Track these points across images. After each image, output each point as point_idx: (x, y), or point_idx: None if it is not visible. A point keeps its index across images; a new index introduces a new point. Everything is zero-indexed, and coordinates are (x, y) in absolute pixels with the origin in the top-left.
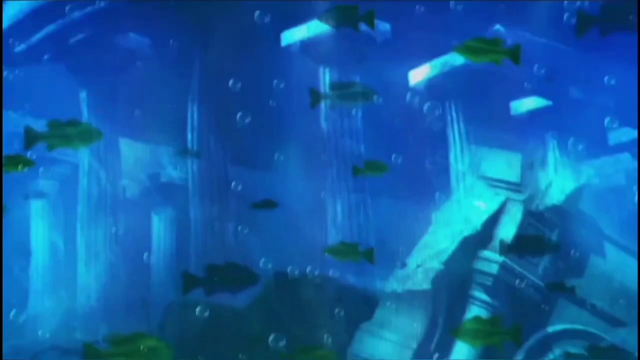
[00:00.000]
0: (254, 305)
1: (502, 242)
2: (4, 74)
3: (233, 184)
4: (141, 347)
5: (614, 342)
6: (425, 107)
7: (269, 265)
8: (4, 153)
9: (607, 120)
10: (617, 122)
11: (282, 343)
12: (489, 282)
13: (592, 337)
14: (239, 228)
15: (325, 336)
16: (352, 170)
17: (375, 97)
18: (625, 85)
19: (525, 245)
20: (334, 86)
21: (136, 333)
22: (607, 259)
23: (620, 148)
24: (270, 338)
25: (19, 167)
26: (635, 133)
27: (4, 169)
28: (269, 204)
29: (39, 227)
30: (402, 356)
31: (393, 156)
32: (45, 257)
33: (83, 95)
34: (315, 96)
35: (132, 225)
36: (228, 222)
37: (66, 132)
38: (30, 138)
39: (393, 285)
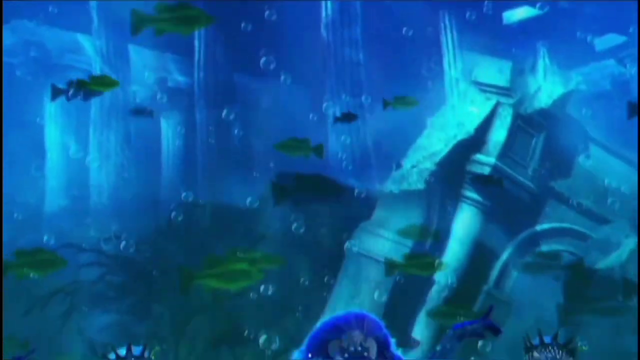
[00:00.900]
0: (258, 205)
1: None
2: None
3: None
4: (232, 268)
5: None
6: (419, 15)
7: (271, 164)
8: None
9: (593, 28)
10: (603, 29)
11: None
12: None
13: (578, 235)
14: (243, 132)
15: (326, 233)
16: (382, 104)
17: None
18: None
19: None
20: None
21: (224, 255)
22: (592, 160)
23: (605, 54)
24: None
25: (105, 87)
26: (620, 39)
27: (92, 88)
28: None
29: (52, 130)
30: (399, 253)
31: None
32: (60, 159)
33: (93, 4)
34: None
35: (141, 128)
36: (232, 126)
37: (175, 15)
38: (138, 21)
39: (390, 186)
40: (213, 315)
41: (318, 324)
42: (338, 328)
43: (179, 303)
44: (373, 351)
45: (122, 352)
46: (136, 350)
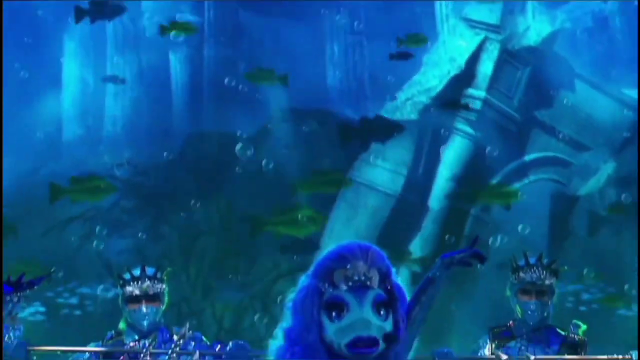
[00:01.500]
0: (262, 135)
1: None
2: None
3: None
4: (299, 217)
5: (579, 164)
6: None
7: (272, 102)
8: None
9: None
10: None
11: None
12: (472, 116)
13: (561, 162)
14: (248, 69)
15: (326, 162)
16: (397, 41)
17: None
18: None
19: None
20: None
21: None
22: (576, 93)
23: None
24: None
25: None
26: None
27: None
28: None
29: (71, 66)
30: (395, 181)
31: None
32: (77, 92)
33: None
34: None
35: (153, 62)
36: (238, 62)
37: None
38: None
39: (384, 115)
40: (219, 236)
41: (324, 253)
42: (343, 257)
43: (188, 226)
44: (375, 280)
45: (137, 272)
46: (149, 271)
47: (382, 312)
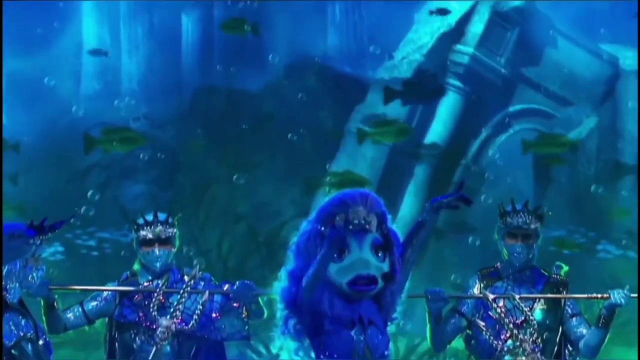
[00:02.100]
0: (266, 91)
1: None
2: None
3: None
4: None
5: (563, 117)
6: None
7: (276, 59)
8: None
9: None
10: None
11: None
12: (461, 70)
13: (545, 114)
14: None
15: (326, 115)
16: None
17: None
18: None
19: None
20: None
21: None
22: (559, 50)
23: None
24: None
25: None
26: None
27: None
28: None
29: (89, 24)
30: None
31: None
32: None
33: None
34: None
35: (165, 22)
36: (244, 19)
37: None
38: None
39: (382, 74)
40: (228, 185)
41: (327, 199)
42: (345, 203)
43: (198, 175)
44: (374, 225)
45: (150, 218)
46: (161, 216)
47: (379, 254)
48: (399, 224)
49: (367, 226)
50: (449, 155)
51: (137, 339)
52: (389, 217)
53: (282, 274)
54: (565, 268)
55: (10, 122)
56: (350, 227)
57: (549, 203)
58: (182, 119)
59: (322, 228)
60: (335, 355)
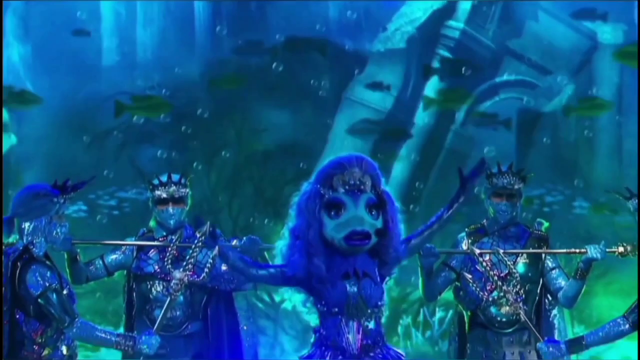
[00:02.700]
0: (272, 62)
1: None
2: None
3: None
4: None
5: (544, 86)
6: None
7: (278, 37)
8: None
9: None
10: None
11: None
12: (451, 44)
13: (527, 84)
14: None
15: (325, 83)
16: None
17: None
18: None
19: None
20: None
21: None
22: (539, 23)
23: None
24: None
25: None
26: None
27: None
28: None
29: (107, 2)
30: (385, 100)
31: None
32: (113, 24)
33: None
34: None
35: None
36: None
37: None
38: None
39: (377, 46)
40: (237, 149)
41: (325, 162)
42: (342, 165)
43: (210, 139)
44: (368, 185)
45: (164, 179)
46: (175, 177)
47: (373, 212)
48: (392, 183)
49: (362, 187)
50: (440, 120)
51: (152, 289)
52: (383, 179)
53: (285, 231)
54: (546, 224)
55: (36, 88)
56: (347, 187)
57: (531, 165)
58: (194, 87)
59: (321, 189)
60: (330, 305)
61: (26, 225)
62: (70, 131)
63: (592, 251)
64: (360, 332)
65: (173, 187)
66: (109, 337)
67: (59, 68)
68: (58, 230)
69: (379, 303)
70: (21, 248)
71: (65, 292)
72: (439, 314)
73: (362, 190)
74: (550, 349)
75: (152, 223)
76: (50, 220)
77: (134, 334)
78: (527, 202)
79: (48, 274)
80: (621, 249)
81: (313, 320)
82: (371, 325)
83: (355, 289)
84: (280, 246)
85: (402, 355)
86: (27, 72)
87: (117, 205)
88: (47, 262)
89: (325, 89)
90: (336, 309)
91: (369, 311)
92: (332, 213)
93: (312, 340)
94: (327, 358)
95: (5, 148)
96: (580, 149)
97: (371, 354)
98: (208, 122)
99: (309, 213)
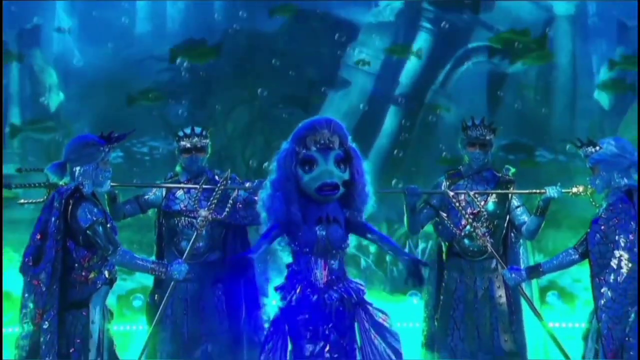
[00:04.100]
0: (280, 32)
1: None
2: None
3: None
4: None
5: (509, 52)
6: None
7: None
8: None
9: None
10: None
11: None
12: (432, 15)
13: (496, 50)
14: None
15: (326, 51)
16: None
17: None
18: None
19: None
20: None
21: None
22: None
23: None
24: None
25: None
26: None
27: None
28: None
29: None
30: (375, 64)
31: None
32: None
33: None
34: None
35: None
36: None
37: None
38: None
39: (369, 18)
40: (250, 105)
41: (299, 124)
42: (313, 127)
43: (227, 97)
44: (336, 143)
45: (188, 131)
46: (197, 130)
47: (341, 166)
48: (384, 133)
49: (331, 145)
50: (422, 81)
51: (179, 224)
52: (350, 137)
53: (267, 183)
54: (513, 170)
55: (82, 53)
56: (318, 146)
57: (499, 118)
58: (212, 53)
59: (296, 147)
60: (303, 246)
61: (77, 169)
62: (110, 89)
63: (550, 191)
64: (326, 269)
65: (196, 138)
66: (145, 264)
67: (101, 36)
68: (103, 174)
69: (343, 245)
70: (72, 188)
71: (109, 225)
72: (421, 245)
73: (331, 148)
74: (513, 275)
75: (178, 168)
76: (97, 166)
77: (164, 261)
78: (497, 150)
79: (95, 210)
80: (574, 189)
81: (285, 257)
82: (335, 264)
83: (324, 233)
84: (262, 196)
85: (361, 285)
86: (75, 40)
87: (149, 153)
88: (94, 200)
89: (325, 55)
90: (307, 249)
91: (334, 252)
92: (306, 168)
93: (284, 274)
94: (298, 289)
95: (54, 105)
96: (540, 106)
97: (334, 287)
98: (225, 83)
99: (286, 168)
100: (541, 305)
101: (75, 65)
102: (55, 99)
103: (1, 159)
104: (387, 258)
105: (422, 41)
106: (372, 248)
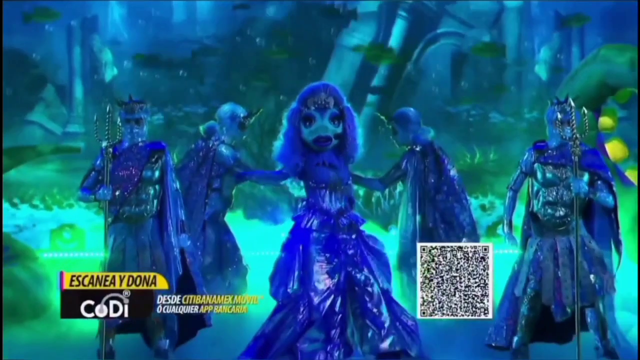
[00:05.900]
0: (284, 18)
1: None
2: None
3: None
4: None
5: (471, 35)
6: None
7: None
8: None
9: None
10: None
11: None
12: (407, 6)
13: (459, 34)
14: None
15: (325, 34)
16: None
17: None
18: None
19: None
20: None
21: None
22: None
23: None
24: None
25: None
26: None
27: None
28: None
29: None
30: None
31: None
32: None
33: None
34: None
35: None
36: None
37: None
38: None
39: (362, 8)
40: (266, 77)
41: (304, 88)
42: (312, 91)
43: (244, 71)
44: (331, 104)
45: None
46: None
47: (335, 122)
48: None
49: (327, 105)
50: (401, 58)
51: None
52: (345, 98)
53: (280, 135)
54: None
55: (130, 36)
56: (316, 105)
57: (461, 89)
58: (233, 36)
59: (300, 107)
60: (319, 182)
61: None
62: (152, 67)
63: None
64: (336, 201)
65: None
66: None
67: (145, 22)
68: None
69: (348, 182)
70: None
71: None
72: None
73: (326, 108)
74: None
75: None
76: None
77: None
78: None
79: None
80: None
81: (297, 192)
82: (343, 198)
83: (334, 173)
84: (277, 145)
85: (362, 219)
86: (124, 26)
87: (185, 117)
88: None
89: (322, 37)
90: (323, 184)
91: (343, 187)
92: (307, 124)
93: (299, 206)
94: (313, 217)
95: (108, 78)
96: (494, 78)
97: (344, 215)
98: (244, 59)
99: (293, 123)
100: (492, 238)
101: (125, 46)
102: (109, 74)
103: (1, 159)
104: (373, 199)
105: (399, 27)
106: (361, 192)
